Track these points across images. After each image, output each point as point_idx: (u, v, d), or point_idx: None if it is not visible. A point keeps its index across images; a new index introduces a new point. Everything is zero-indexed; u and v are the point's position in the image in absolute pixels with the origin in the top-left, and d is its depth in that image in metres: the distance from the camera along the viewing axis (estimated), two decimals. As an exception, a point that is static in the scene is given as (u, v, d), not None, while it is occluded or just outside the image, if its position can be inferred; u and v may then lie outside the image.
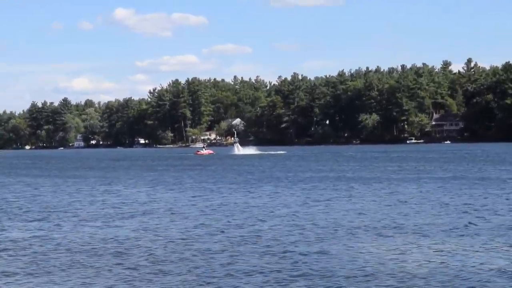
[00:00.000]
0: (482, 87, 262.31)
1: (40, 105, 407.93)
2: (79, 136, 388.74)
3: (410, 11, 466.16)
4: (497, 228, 26.39)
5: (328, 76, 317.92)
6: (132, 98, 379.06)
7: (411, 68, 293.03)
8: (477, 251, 21.42)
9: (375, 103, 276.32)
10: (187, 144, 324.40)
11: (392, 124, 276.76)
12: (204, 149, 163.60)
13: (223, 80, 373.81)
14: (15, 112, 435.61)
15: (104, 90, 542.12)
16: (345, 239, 24.57)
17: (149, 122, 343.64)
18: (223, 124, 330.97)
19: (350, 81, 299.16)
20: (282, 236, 25.36)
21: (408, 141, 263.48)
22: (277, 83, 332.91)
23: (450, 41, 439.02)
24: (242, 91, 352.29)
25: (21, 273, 19.65)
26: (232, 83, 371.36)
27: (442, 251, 21.59)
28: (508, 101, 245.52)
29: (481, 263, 19.55)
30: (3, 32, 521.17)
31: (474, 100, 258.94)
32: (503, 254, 20.87)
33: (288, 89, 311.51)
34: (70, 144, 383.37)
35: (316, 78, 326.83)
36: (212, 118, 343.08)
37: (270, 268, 19.52)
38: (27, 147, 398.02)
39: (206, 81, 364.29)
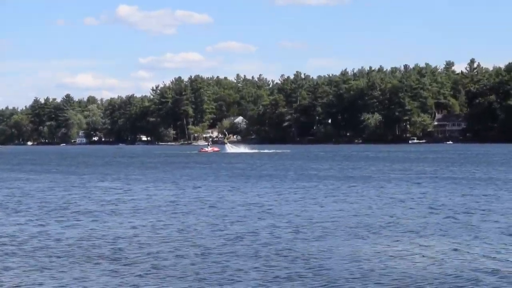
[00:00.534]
0: (485, 88, 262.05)
1: (42, 101, 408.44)
2: (81, 133, 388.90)
3: (414, 11, 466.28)
4: (494, 229, 26.30)
5: (330, 75, 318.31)
6: (135, 95, 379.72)
7: (414, 68, 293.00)
8: (468, 252, 21.34)
9: (377, 103, 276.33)
10: (189, 141, 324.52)
11: (394, 124, 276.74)
12: (208, 147, 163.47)
13: (225, 78, 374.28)
14: (17, 108, 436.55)
15: (107, 86, 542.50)
16: (336, 237, 24.49)
17: (151, 119, 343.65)
18: (225, 122, 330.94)
19: (353, 80, 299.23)
20: (275, 235, 25.29)
21: (410, 141, 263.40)
22: (279, 82, 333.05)
23: (453, 42, 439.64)
24: (244, 89, 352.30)
25: (16, 268, 19.58)
26: (235, 81, 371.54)
27: (438, 251, 21.52)
28: (511, 102, 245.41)
29: (471, 263, 19.49)
30: (7, 28, 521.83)
31: (477, 101, 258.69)
32: (495, 255, 20.78)
33: (290, 88, 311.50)
34: (72, 141, 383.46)
35: (319, 77, 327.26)
36: (215, 116, 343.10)
37: (263, 266, 19.45)
38: (29, 143, 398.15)
39: (209, 79, 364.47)
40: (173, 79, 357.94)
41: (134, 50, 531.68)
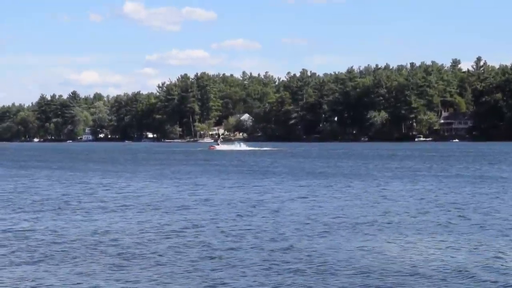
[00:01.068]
0: (491, 86, 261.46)
1: (49, 98, 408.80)
2: (87, 130, 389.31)
3: (420, 8, 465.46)
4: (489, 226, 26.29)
5: (337, 72, 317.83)
6: (141, 92, 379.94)
7: (420, 66, 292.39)
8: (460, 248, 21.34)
9: (383, 101, 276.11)
10: (195, 139, 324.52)
11: (400, 122, 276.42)
12: (219, 144, 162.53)
13: (231, 75, 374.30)
14: (23, 105, 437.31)
15: (113, 83, 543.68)
16: (330, 234, 24.50)
17: (158, 116, 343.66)
18: (231, 120, 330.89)
19: (359, 78, 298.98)
20: (271, 231, 25.32)
21: (416, 139, 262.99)
22: (286, 79, 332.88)
23: (460, 40, 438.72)
24: (250, 87, 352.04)
25: (15, 264, 19.63)
26: (241, 78, 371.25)
27: (437, 247, 21.52)
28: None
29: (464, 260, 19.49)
30: (12, 24, 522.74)
31: (483, 99, 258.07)
32: (483, 251, 20.79)
33: (296, 85, 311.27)
34: (79, 138, 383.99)
35: (325, 74, 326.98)
36: (221, 113, 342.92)
37: (261, 262, 19.46)
38: (36, 139, 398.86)
39: (215, 76, 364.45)
40: (179, 76, 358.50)
41: (140, 47, 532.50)
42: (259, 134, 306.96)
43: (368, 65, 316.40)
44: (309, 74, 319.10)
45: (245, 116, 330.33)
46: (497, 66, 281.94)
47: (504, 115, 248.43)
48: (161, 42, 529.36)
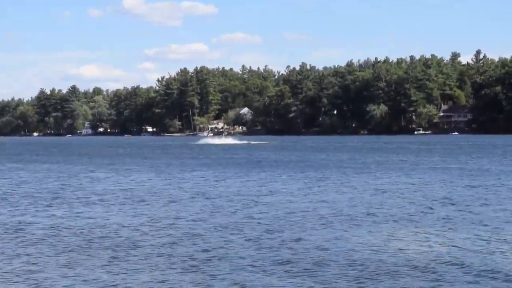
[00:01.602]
0: (490, 79, 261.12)
1: (48, 92, 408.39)
2: (87, 124, 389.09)
3: (420, 2, 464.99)
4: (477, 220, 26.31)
5: (336, 66, 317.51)
6: (140, 86, 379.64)
7: (419, 59, 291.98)
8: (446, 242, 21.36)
9: (383, 94, 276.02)
10: (195, 132, 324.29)
11: (400, 115, 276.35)
12: (224, 138, 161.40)
13: (231, 69, 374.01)
14: (23, 99, 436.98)
15: (112, 77, 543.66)
16: (323, 226, 24.50)
17: (157, 110, 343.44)
18: (231, 113, 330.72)
19: (359, 71, 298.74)
20: (264, 224, 25.33)
21: (416, 132, 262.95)
22: (285, 73, 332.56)
23: (459, 33, 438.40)
24: (250, 81, 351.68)
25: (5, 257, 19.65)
26: (241, 72, 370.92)
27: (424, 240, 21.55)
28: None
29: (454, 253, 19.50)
30: (12, 20, 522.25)
31: (483, 92, 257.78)
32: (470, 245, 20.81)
33: (296, 79, 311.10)
34: (78, 132, 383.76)
35: (325, 68, 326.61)
36: (220, 107, 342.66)
37: (255, 255, 19.47)
38: (35, 134, 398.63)
39: (214, 70, 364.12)
40: (179, 70, 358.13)
41: (140, 41, 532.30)
42: (258, 128, 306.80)
43: (368, 58, 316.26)
44: (308, 67, 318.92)
45: (245, 110, 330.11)
46: (496, 59, 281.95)
47: (503, 108, 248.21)
48: (161, 37, 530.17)
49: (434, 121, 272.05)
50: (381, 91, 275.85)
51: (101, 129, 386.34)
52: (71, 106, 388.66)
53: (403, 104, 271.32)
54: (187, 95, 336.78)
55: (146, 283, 16.44)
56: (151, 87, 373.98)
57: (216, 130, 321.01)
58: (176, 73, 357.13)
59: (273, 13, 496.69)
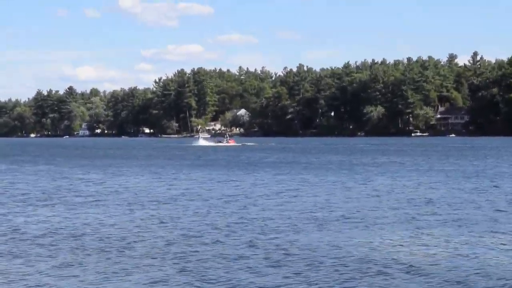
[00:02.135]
0: (487, 81, 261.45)
1: (45, 93, 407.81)
2: (84, 125, 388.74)
3: (417, 3, 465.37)
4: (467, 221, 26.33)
5: (333, 67, 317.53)
6: (138, 88, 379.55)
7: (416, 61, 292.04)
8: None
9: (380, 96, 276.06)
10: (192, 134, 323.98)
11: (397, 117, 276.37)
12: (226, 140, 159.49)
13: (228, 70, 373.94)
14: (20, 100, 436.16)
15: (109, 78, 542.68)
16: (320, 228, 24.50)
17: (154, 111, 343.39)
18: (228, 115, 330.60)
19: (356, 73, 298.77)
20: (252, 226, 25.33)
21: (413, 134, 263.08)
22: (282, 74, 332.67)
23: (456, 34, 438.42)
24: (247, 82, 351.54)
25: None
26: (238, 73, 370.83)
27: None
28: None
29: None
30: (8, 19, 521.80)
31: (480, 94, 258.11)
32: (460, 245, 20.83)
33: (293, 80, 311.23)
34: (75, 133, 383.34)
35: (322, 69, 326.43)
36: (217, 109, 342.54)
37: (249, 256, 19.48)
38: (32, 135, 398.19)
39: (212, 71, 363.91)
40: (176, 71, 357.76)
41: (136, 42, 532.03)
42: (255, 130, 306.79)
43: (365, 60, 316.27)
44: (305, 69, 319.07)
45: (242, 111, 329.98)
46: (493, 61, 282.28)
47: (500, 109, 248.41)
48: (157, 37, 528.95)
49: (431, 123, 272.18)
50: (378, 93, 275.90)
51: (98, 131, 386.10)
52: (68, 107, 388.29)
53: (400, 106, 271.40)
54: (184, 96, 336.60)
55: (139, 285, 16.44)
56: (148, 88, 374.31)
57: (214, 131, 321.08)
58: (173, 74, 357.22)
59: (269, 14, 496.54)
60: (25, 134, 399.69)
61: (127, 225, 25.55)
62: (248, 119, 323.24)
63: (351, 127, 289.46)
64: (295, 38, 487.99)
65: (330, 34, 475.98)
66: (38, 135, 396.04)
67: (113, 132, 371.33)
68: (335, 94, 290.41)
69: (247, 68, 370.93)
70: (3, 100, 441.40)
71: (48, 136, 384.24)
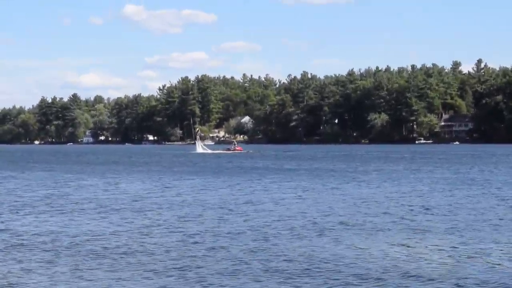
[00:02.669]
0: (491, 88, 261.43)
1: (49, 100, 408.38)
2: (88, 132, 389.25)
3: (421, 11, 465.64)
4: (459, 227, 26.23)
5: (337, 75, 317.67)
6: (142, 95, 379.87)
7: (421, 68, 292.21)
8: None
9: (384, 103, 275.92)
10: (196, 141, 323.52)
11: (401, 124, 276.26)
12: (233, 147, 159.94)
13: (232, 77, 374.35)
14: (24, 107, 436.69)
15: (113, 85, 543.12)
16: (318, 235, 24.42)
17: (158, 118, 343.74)
18: (232, 122, 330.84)
19: (360, 80, 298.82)
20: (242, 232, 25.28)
21: (417, 141, 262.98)
22: (286, 82, 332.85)
23: (460, 42, 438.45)
24: (251, 89, 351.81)
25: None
26: (242, 80, 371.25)
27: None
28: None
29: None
30: (13, 27, 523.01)
31: (484, 101, 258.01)
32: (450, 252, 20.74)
33: (297, 88, 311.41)
34: (79, 140, 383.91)
35: (326, 77, 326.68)
36: (221, 116, 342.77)
37: (244, 262, 19.40)
38: (36, 142, 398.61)
39: (216, 78, 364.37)
40: (180, 79, 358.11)
41: (140, 49, 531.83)
42: (260, 137, 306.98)
43: (369, 67, 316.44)
44: (309, 76, 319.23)
45: (246, 119, 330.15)
46: (497, 68, 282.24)
47: (504, 117, 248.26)
48: (161, 45, 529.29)
49: (435, 130, 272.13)
50: (382, 100, 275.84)
51: (102, 138, 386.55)
52: (72, 114, 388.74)
53: (404, 113, 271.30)
54: (189, 103, 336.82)
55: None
56: (152, 95, 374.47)
57: (217, 138, 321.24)
58: (178, 82, 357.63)
59: (273, 21, 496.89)
60: (29, 141, 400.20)
61: (126, 231, 25.48)
62: (252, 126, 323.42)
63: (355, 134, 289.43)
64: (299, 45, 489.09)
65: (334, 41, 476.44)
66: (42, 142, 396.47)
67: (117, 139, 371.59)
68: (339, 101, 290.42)
69: (251, 76, 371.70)
70: (7, 107, 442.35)
71: (52, 143, 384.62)
